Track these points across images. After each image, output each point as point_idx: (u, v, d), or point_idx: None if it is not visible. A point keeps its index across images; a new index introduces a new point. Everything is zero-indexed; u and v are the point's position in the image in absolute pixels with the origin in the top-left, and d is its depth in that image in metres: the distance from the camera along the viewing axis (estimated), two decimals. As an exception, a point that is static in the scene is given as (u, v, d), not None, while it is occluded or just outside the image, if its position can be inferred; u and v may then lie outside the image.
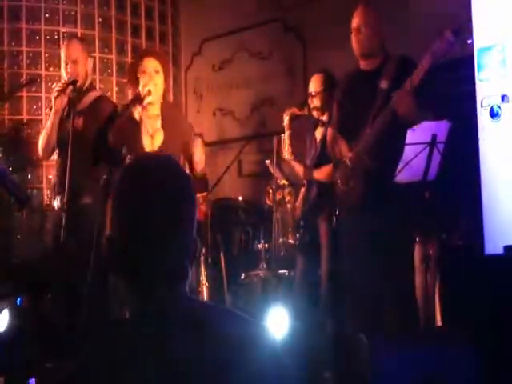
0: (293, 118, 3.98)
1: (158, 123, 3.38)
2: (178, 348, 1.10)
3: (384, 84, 3.20)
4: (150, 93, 3.26)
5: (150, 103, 3.32)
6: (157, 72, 3.35)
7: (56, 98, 3.59)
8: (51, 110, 3.67)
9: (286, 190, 4.25)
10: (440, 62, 3.05)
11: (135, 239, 1.15)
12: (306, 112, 3.93)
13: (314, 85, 3.90)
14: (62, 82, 3.68)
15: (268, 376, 1.14)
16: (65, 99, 3.62)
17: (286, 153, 3.96)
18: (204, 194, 4.45)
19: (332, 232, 3.72)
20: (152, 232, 1.15)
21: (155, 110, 3.40)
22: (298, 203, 4.11)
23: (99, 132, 3.38)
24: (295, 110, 3.97)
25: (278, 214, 3.99)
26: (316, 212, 3.79)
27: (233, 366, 1.11)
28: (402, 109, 3.06)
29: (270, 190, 4.33)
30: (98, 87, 4.59)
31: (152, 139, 3.34)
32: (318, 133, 3.90)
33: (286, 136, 3.97)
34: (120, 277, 1.18)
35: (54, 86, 3.72)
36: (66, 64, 3.71)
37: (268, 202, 4.40)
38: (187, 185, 1.21)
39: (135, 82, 3.39)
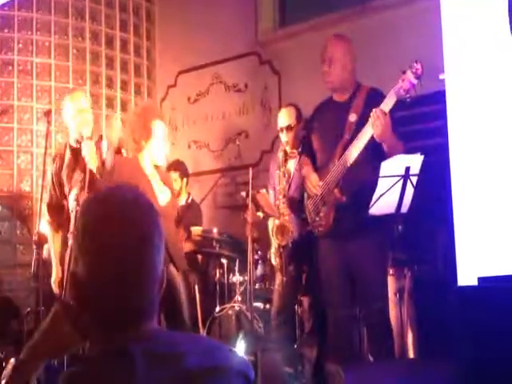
0: (285, 155, 3.91)
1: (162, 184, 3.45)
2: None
3: (352, 117, 3.24)
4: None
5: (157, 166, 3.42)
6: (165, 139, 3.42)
7: None
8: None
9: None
10: (413, 97, 3.11)
11: (105, 278, 1.11)
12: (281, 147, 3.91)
13: (286, 118, 3.90)
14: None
15: None
16: None
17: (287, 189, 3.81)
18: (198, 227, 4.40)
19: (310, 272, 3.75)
20: (124, 270, 1.11)
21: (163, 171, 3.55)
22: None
23: None
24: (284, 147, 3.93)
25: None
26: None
27: None
28: (378, 130, 3.06)
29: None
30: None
31: (160, 195, 3.35)
32: (291, 166, 3.90)
33: (281, 173, 3.80)
34: (86, 312, 1.14)
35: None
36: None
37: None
38: (157, 217, 1.18)
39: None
